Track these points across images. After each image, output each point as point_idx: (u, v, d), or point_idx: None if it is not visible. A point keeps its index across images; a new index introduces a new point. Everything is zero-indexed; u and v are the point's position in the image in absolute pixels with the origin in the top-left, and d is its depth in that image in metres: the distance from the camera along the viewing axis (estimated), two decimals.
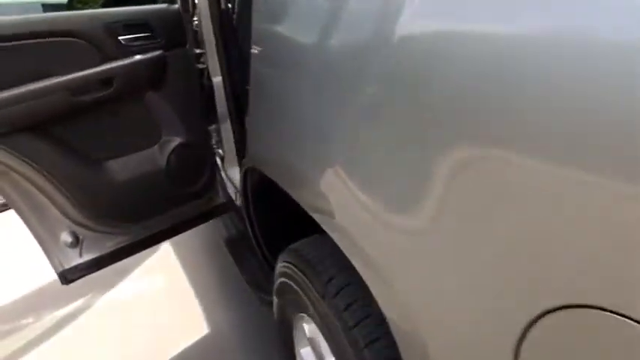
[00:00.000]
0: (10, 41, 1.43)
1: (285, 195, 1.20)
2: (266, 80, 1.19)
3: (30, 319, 2.37)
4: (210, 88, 2.08)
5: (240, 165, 1.47)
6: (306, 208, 1.04)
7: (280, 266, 1.30)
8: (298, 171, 1.06)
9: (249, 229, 1.55)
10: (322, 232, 0.99)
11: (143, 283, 2.61)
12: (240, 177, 1.46)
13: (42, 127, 1.52)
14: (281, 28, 1.12)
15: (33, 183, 1.57)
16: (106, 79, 1.59)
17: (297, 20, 1.05)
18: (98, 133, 1.66)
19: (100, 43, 1.60)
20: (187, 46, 1.86)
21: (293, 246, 1.27)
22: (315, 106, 0.94)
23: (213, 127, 2.28)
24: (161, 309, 2.39)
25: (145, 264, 2.76)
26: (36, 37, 1.47)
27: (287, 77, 1.08)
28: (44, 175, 1.55)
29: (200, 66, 2.09)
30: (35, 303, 2.48)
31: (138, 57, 1.66)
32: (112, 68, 1.59)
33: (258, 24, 1.20)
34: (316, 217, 1.00)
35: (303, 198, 1.06)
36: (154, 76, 1.73)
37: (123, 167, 1.73)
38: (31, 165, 1.51)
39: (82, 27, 1.56)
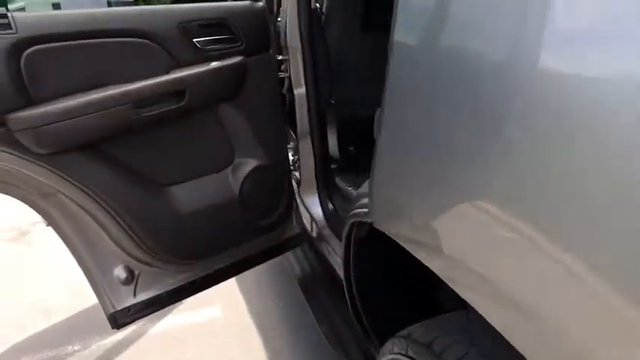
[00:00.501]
0: (69, 40, 1.17)
1: (407, 264, 0.86)
2: (421, 106, 0.81)
3: (76, 347, 2.16)
4: (291, 102, 1.78)
5: (346, 214, 1.12)
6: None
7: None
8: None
9: (347, 297, 1.21)
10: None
11: (200, 312, 2.34)
12: (344, 232, 1.12)
13: (97, 145, 1.26)
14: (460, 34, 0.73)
15: (84, 208, 1.31)
16: (177, 90, 1.32)
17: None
18: (163, 153, 1.39)
19: (172, 45, 1.33)
20: (270, 52, 1.57)
21: (413, 333, 0.92)
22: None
23: (290, 144, 1.98)
24: (218, 344, 2.11)
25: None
26: (97, 36, 1.22)
27: (471, 105, 0.67)
28: (97, 201, 1.28)
29: (281, 75, 1.80)
30: (82, 328, 2.26)
31: (215, 64, 1.38)
32: (185, 77, 1.32)
33: (403, 21, 0.85)
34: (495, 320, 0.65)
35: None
36: (232, 86, 1.44)
37: (189, 194, 1.45)
38: (82, 188, 1.25)
39: (153, 26, 1.30)
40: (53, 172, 1.21)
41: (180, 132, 1.41)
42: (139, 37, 1.28)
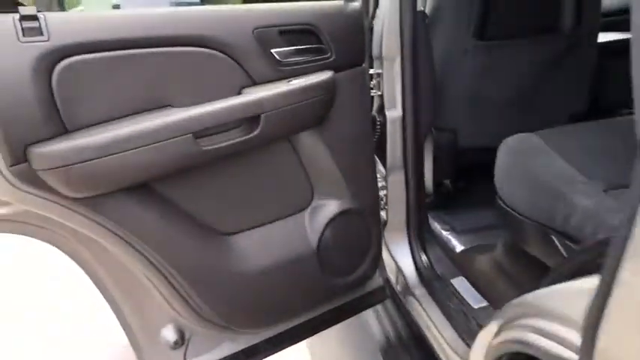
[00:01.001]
0: (114, 49, 0.90)
1: None
2: None
3: None
4: (381, 126, 1.44)
5: (446, 272, 0.76)
6: None
7: None
8: None
9: None
10: None
11: None
12: None
13: (145, 185, 0.97)
14: None
15: (127, 258, 1.03)
16: (250, 117, 1.01)
17: None
18: (224, 193, 1.09)
19: (245, 57, 1.03)
20: (364, 65, 1.23)
21: None
22: None
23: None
24: None
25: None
26: (151, 45, 0.93)
27: None
28: (142, 252, 1.00)
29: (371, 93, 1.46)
30: None
31: (298, 81, 1.07)
32: (261, 99, 1.01)
33: None
34: None
35: None
36: (318, 110, 1.12)
37: (254, 245, 1.14)
38: (124, 238, 0.97)
39: (222, 32, 1.00)
40: (88, 218, 0.93)
41: (248, 167, 1.10)
42: (204, 47, 0.99)
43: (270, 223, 1.17)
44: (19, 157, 0.84)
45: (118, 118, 0.93)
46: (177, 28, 0.95)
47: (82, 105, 0.88)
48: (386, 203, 1.53)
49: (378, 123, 1.41)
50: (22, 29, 0.81)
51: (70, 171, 0.85)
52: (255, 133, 1.02)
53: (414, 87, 1.40)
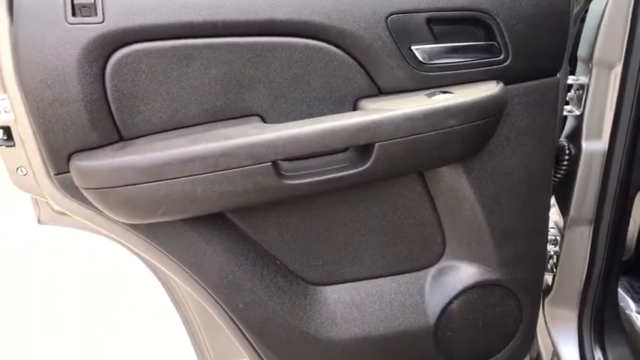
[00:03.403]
0: (186, 37, 0.67)
1: None
2: None
3: None
4: (572, 159, 0.98)
5: None
6: None
7: None
8: None
9: None
10: None
11: None
12: None
13: (213, 215, 0.75)
14: None
15: (193, 290, 0.84)
16: (363, 144, 0.71)
17: None
18: (316, 234, 0.82)
19: (371, 55, 0.71)
20: (559, 75, 0.81)
21: None
22: None
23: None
24: None
25: None
26: (237, 33, 0.68)
27: None
28: (209, 294, 0.80)
29: (566, 112, 1.00)
30: None
31: (447, 97, 0.72)
32: (380, 121, 0.69)
33: None
34: None
35: None
36: (473, 139, 0.76)
37: (347, 303, 0.85)
38: (187, 274, 0.78)
39: (340, 18, 0.70)
40: (144, 240, 0.76)
41: (351, 204, 0.81)
42: (311, 38, 0.70)
43: (374, 278, 0.87)
44: (63, 167, 0.68)
45: (187, 126, 0.71)
46: (274, 10, 0.68)
47: (141, 107, 0.68)
48: (555, 265, 1.09)
49: (567, 156, 0.97)
50: (73, 5, 0.63)
51: (116, 195, 0.67)
52: (364, 167, 0.71)
53: (637, 110, 0.91)
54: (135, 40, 0.65)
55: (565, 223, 1.06)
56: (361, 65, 0.73)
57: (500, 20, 0.74)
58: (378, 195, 0.81)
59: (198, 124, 0.71)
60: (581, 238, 1.05)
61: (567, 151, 0.98)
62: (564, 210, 1.05)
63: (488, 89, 0.74)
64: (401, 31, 0.72)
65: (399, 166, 0.74)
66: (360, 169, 0.71)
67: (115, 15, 0.64)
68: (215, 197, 0.69)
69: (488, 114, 0.74)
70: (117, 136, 0.69)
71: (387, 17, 0.71)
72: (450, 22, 0.74)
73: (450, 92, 0.73)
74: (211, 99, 0.70)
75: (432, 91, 0.74)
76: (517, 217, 0.86)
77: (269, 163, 0.67)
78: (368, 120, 0.68)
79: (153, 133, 0.70)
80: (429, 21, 0.72)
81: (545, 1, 0.75)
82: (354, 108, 0.75)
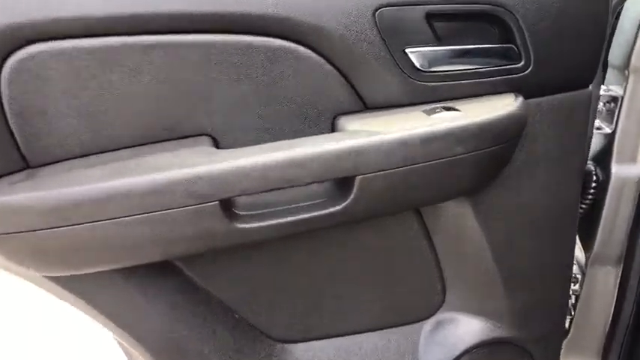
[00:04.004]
0: (108, 35, 0.50)
1: None
2: None
3: None
4: (598, 189, 0.82)
5: None
6: None
7: None
8: None
9: None
10: None
11: None
12: None
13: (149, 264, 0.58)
14: None
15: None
16: (342, 177, 0.54)
17: None
18: (285, 281, 0.65)
19: (354, 60, 0.55)
20: (590, 87, 0.65)
21: None
22: None
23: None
24: None
25: None
26: (179, 30, 0.52)
27: None
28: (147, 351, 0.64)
29: (598, 129, 0.83)
30: None
31: (451, 115, 0.56)
32: (363, 148, 0.52)
33: None
34: None
35: None
36: (482, 167, 0.59)
37: None
38: (123, 330, 0.62)
39: (314, 12, 0.53)
40: (68, 293, 0.60)
41: (328, 247, 0.65)
42: (277, 37, 0.54)
43: (358, 334, 0.70)
44: None
45: (113, 150, 0.55)
46: (228, 0, 0.51)
47: (52, 125, 0.52)
48: (574, 306, 0.93)
49: (593, 183, 0.81)
50: None
51: (20, 242, 0.50)
52: (342, 206, 0.54)
53: None
54: (38, 39, 0.49)
55: (587, 259, 0.90)
56: (341, 72, 0.57)
57: (520, 17, 0.58)
58: (363, 233, 0.65)
59: (128, 148, 0.54)
60: (607, 277, 0.89)
61: (594, 177, 0.81)
62: (587, 244, 0.88)
63: (504, 105, 0.57)
64: (392, 29, 0.55)
65: (388, 204, 0.57)
66: (336, 207, 0.54)
67: (6, 6, 0.47)
68: (146, 245, 0.52)
69: (504, 138, 0.57)
70: (21, 162, 0.52)
71: (375, 11, 0.54)
72: (457, 19, 0.58)
73: (455, 109, 0.57)
74: (144, 115, 0.54)
75: (433, 106, 0.58)
76: (534, 261, 0.70)
77: (216, 203, 0.50)
78: (347, 147, 0.51)
79: (68, 159, 0.54)
80: (430, 16, 0.56)
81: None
82: (333, 127, 0.59)
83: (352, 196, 0.54)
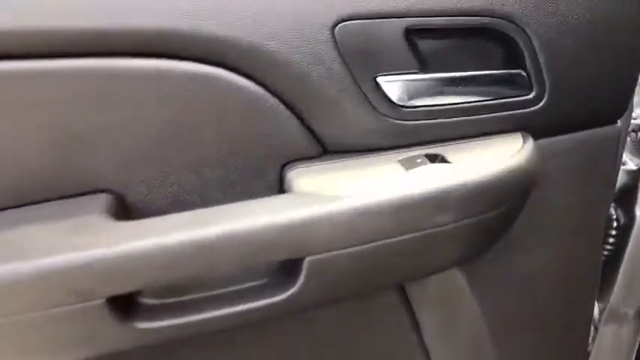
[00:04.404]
0: None
1: None
2: None
3: None
4: (620, 234, 0.67)
5: None
6: None
7: None
8: None
9: None
10: None
11: None
12: None
13: None
14: None
15: None
16: (286, 261, 0.40)
17: None
18: None
19: (308, 94, 0.41)
20: (619, 123, 0.50)
21: None
22: None
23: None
24: None
25: None
26: (60, 54, 0.37)
27: None
28: None
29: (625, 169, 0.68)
30: None
31: (435, 167, 0.41)
32: (323, 218, 0.37)
33: None
34: None
35: None
36: (479, 234, 0.45)
37: None
38: None
39: (250, 31, 0.38)
40: None
41: (276, 335, 0.50)
42: (197, 61, 0.39)
43: None
44: None
45: None
46: (121, 12, 0.36)
47: None
48: None
49: (614, 230, 0.66)
50: None
51: None
52: (287, 295, 0.40)
53: None
54: None
55: (601, 313, 0.76)
56: (291, 108, 0.42)
57: (532, 33, 0.43)
58: (325, 312, 0.50)
59: None
60: (621, 335, 0.75)
61: (615, 221, 0.67)
62: (602, 296, 0.74)
63: (509, 156, 0.43)
64: (359, 51, 0.40)
65: (349, 287, 0.43)
66: (278, 297, 0.40)
67: None
68: (12, 349, 0.38)
69: (506, 200, 0.43)
70: None
71: (334, 26, 0.39)
72: (447, 36, 0.43)
73: (442, 159, 0.42)
74: (16, 166, 0.39)
75: (413, 154, 0.43)
76: (544, 342, 0.56)
77: (102, 301, 0.36)
78: (290, 221, 0.37)
79: None
80: (410, 33, 0.41)
81: (604, 3, 0.44)
82: (281, 180, 0.44)
83: (300, 283, 0.39)
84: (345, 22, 0.40)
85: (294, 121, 0.42)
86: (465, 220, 0.41)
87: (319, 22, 0.39)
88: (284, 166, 0.44)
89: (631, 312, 0.72)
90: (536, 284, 0.53)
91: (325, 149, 0.44)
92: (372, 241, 0.39)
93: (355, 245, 0.38)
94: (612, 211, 0.67)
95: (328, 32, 0.39)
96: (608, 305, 0.73)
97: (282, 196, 0.41)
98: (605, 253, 0.68)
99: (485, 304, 0.51)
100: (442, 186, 0.39)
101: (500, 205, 0.42)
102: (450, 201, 0.39)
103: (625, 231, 0.67)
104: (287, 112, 0.42)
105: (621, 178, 0.68)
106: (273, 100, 0.41)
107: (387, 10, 0.40)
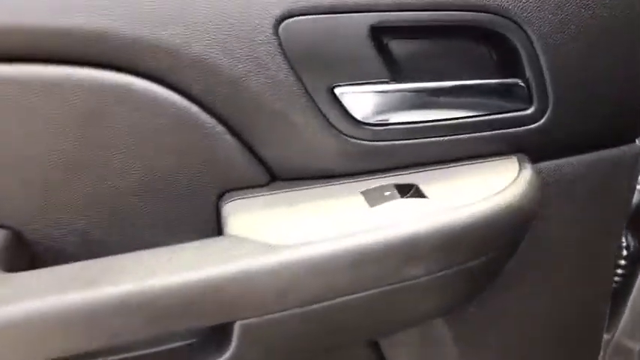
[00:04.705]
0: None
1: None
2: None
3: None
4: (630, 263, 0.59)
5: None
6: None
7: None
8: None
9: None
10: None
11: None
12: None
13: None
14: None
15: None
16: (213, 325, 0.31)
17: None
18: None
19: (247, 108, 0.32)
20: (638, 141, 0.41)
21: None
22: None
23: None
24: None
25: None
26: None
27: None
28: None
29: None
30: None
31: (408, 207, 0.32)
32: (260, 272, 0.29)
33: None
34: None
35: None
36: (464, 287, 0.36)
37: None
38: None
39: (172, 31, 0.29)
40: None
41: None
42: (110, 68, 0.30)
43: None
44: None
45: None
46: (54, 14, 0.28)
47: None
48: None
49: (623, 258, 0.58)
50: None
51: None
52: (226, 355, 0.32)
53: None
54: None
55: (606, 345, 0.68)
56: (228, 126, 0.33)
57: (534, 33, 0.34)
58: None
59: None
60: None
61: (625, 248, 0.59)
62: (608, 327, 0.67)
63: (501, 183, 0.34)
64: (311, 54, 0.32)
65: (301, 347, 0.34)
66: None
67: None
68: None
69: (496, 245, 0.34)
70: None
71: (279, 23, 0.31)
72: (427, 36, 0.34)
73: (416, 190, 0.34)
74: None
75: (381, 183, 0.35)
76: None
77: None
78: (216, 276, 0.28)
79: None
80: (378, 32, 0.32)
81: None
82: (217, 211, 0.35)
83: (233, 347, 0.31)
84: (293, 18, 0.31)
85: (231, 142, 0.34)
86: (443, 272, 0.32)
87: (259, 20, 0.30)
88: (221, 196, 0.35)
89: (637, 348, 0.64)
90: (536, 330, 0.45)
91: (273, 176, 0.36)
92: (323, 301, 0.30)
93: (299, 307, 0.30)
94: (624, 237, 0.59)
95: (270, 31, 0.30)
96: (613, 340, 0.65)
97: (208, 242, 0.32)
98: (616, 281, 0.59)
99: (471, 355, 0.43)
100: (413, 230, 0.30)
101: (487, 251, 0.33)
102: (422, 249, 0.31)
103: (635, 259, 0.58)
104: (222, 130, 0.33)
105: (633, 200, 0.60)
106: (204, 116, 0.32)
107: (348, 2, 0.31)
